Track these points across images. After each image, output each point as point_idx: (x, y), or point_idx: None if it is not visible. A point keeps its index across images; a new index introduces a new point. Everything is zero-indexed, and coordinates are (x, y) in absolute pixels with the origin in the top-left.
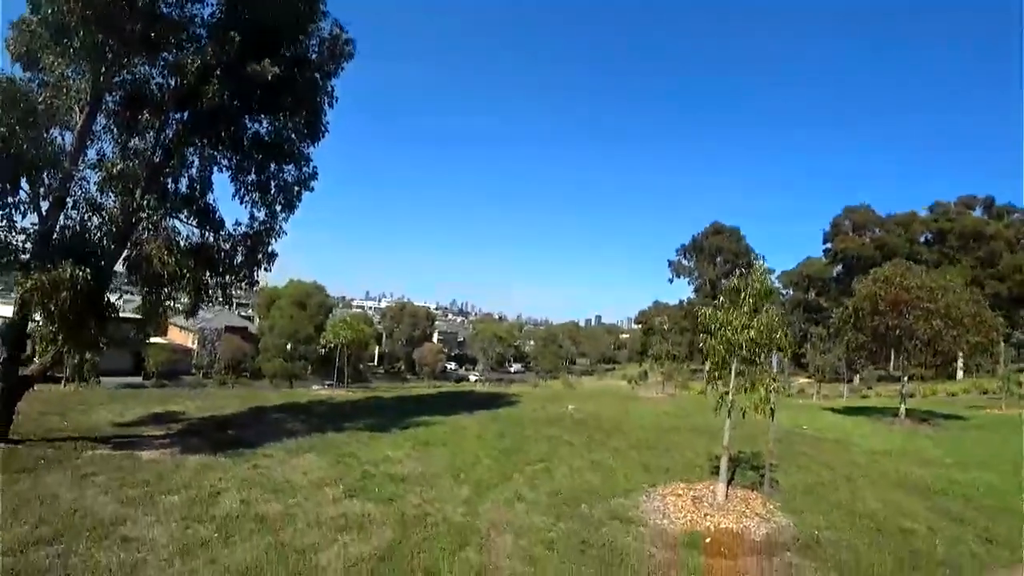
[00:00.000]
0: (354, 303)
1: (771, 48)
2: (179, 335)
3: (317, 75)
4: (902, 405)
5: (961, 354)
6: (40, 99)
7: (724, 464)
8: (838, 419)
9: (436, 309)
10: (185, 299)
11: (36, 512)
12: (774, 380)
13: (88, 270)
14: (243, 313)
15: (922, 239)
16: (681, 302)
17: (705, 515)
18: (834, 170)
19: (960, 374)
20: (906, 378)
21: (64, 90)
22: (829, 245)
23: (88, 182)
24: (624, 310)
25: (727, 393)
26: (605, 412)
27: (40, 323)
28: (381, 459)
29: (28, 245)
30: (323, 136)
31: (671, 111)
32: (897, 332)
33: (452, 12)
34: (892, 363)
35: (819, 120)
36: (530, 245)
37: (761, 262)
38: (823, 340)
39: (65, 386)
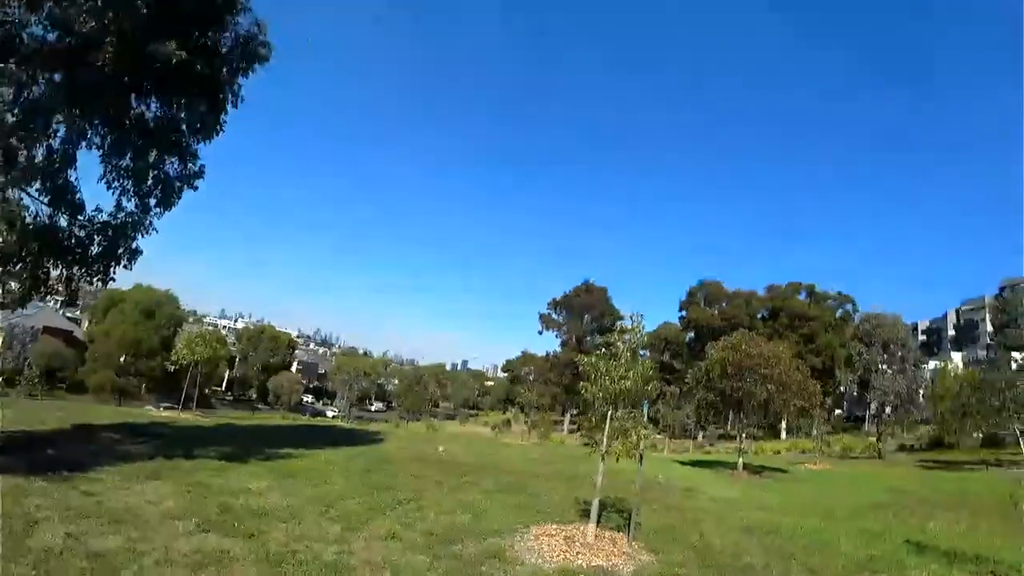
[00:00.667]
0: (206, 320)
1: (647, 118)
2: None
3: (225, 70)
4: (740, 459)
5: (786, 416)
6: None
7: (595, 506)
8: (687, 470)
9: (298, 336)
10: (14, 285)
11: None
12: (644, 428)
13: None
14: (69, 314)
15: (760, 315)
16: (548, 354)
17: (577, 554)
18: (692, 245)
19: (784, 434)
20: (743, 435)
21: None
22: (684, 313)
23: None
24: (491, 357)
25: (601, 439)
26: (474, 455)
27: None
28: (240, 490)
29: None
30: (217, 134)
31: (557, 169)
32: (740, 393)
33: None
34: (730, 423)
35: (686, 196)
36: (402, 282)
37: (639, 318)
38: (675, 398)
39: None
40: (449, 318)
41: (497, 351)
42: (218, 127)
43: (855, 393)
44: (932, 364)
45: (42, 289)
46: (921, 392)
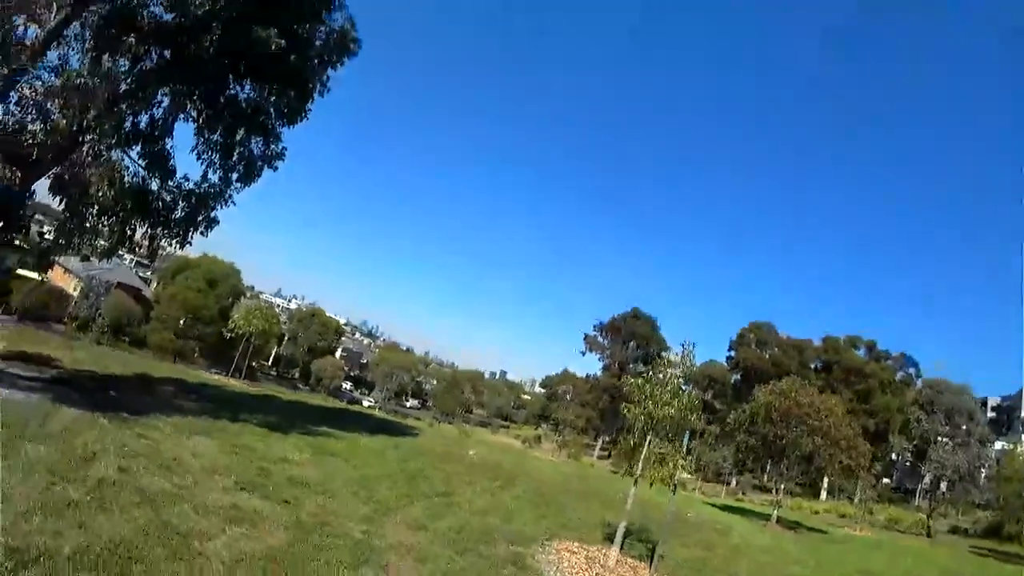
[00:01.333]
0: (263, 296)
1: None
2: (60, 277)
3: (316, 61)
4: (774, 511)
5: (830, 473)
6: None
7: (621, 530)
8: (717, 512)
9: (346, 324)
10: (104, 238)
11: None
12: (683, 458)
13: (16, 171)
14: (141, 274)
15: (813, 365)
16: (588, 376)
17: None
18: (746, 283)
19: (824, 494)
20: (781, 486)
21: None
22: (733, 353)
23: (41, 84)
24: (529, 371)
25: (636, 463)
26: (506, 462)
27: None
28: (279, 458)
29: None
30: (301, 120)
31: (617, 198)
32: (783, 441)
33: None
34: (768, 475)
35: (745, 232)
36: (452, 286)
37: (691, 346)
38: (714, 438)
39: None
40: (493, 327)
41: (536, 366)
42: (303, 114)
43: (908, 463)
44: (1000, 444)
45: (127, 244)
46: (984, 472)
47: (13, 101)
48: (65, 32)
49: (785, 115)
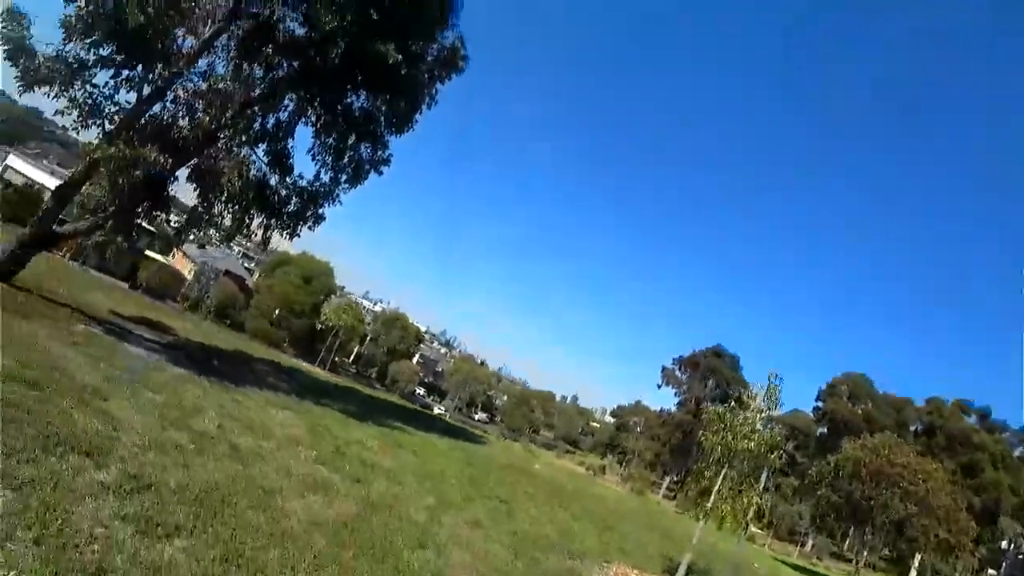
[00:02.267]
0: (352, 296)
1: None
2: (180, 260)
3: (426, 75)
4: None
5: (921, 550)
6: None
7: (684, 565)
8: (789, 571)
9: (426, 332)
10: (227, 223)
11: (25, 354)
12: (759, 497)
13: (168, 159)
14: (247, 265)
15: (912, 428)
16: (662, 410)
17: None
18: (837, 331)
19: (914, 574)
20: (863, 555)
21: (203, 1)
22: (821, 404)
23: (192, 85)
24: (600, 398)
25: (708, 495)
26: (569, 483)
27: (95, 191)
28: (355, 442)
29: (117, 118)
30: (408, 129)
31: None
32: (871, 503)
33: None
34: (848, 541)
35: (840, 280)
36: (532, 306)
37: (777, 381)
38: (793, 492)
39: (71, 261)
40: (570, 350)
41: (609, 394)
42: (411, 123)
43: (1022, 555)
44: None
45: (245, 232)
46: None
47: (169, 100)
48: (215, 43)
49: (892, 169)
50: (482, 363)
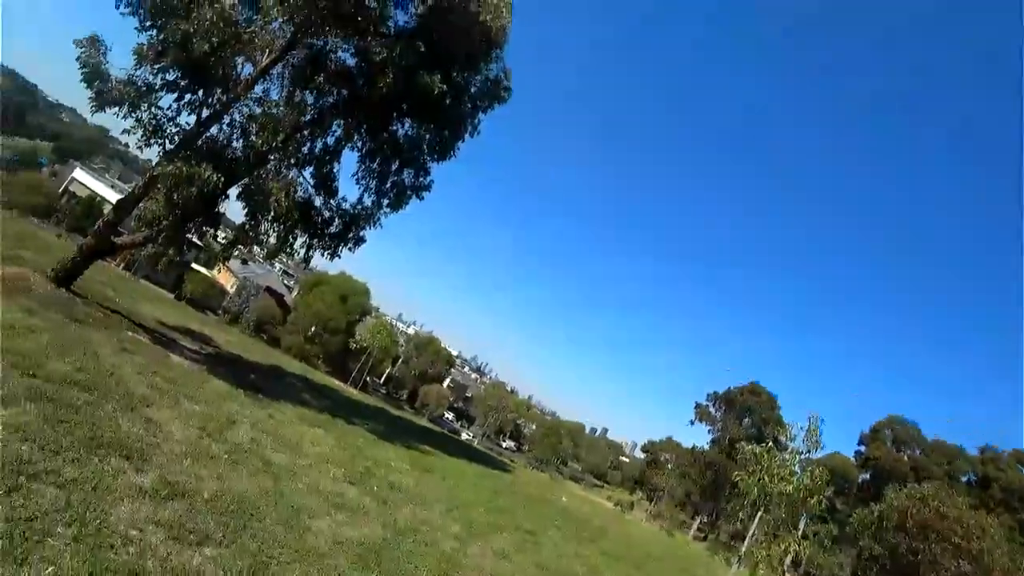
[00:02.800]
0: (386, 317)
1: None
2: (223, 274)
3: (470, 105)
4: None
5: None
6: (246, 29)
7: None
8: None
9: (457, 356)
10: (272, 241)
11: (79, 359)
12: (798, 544)
13: (221, 177)
14: (286, 282)
15: (964, 478)
16: (694, 447)
17: None
18: (882, 371)
19: None
20: None
21: (263, 32)
22: (863, 448)
23: (247, 110)
24: (630, 431)
25: (741, 538)
26: (597, 516)
27: (152, 205)
28: (383, 463)
29: (177, 138)
30: (450, 157)
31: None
32: (918, 557)
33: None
34: None
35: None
36: (563, 336)
37: (817, 420)
38: (833, 541)
39: (124, 270)
40: (601, 382)
41: (639, 428)
42: (453, 151)
43: None
44: None
45: (288, 249)
46: None
47: (225, 122)
48: (271, 71)
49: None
50: (512, 391)
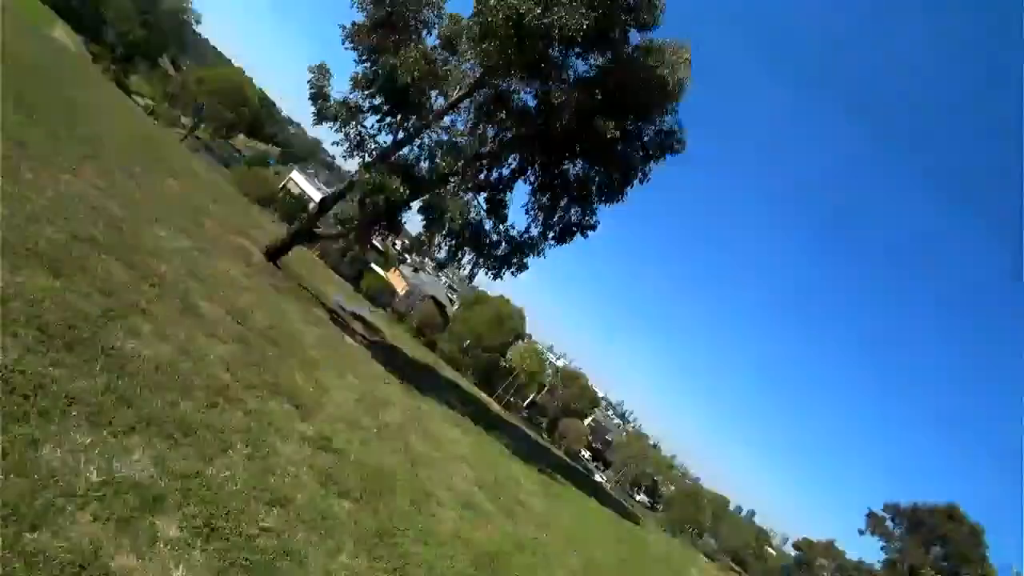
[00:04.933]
0: (538, 346)
1: None
2: (394, 277)
3: (641, 153)
4: None
5: None
6: (442, 67)
7: None
8: None
9: (603, 398)
10: (443, 254)
11: (276, 321)
12: None
13: (407, 191)
14: (449, 295)
15: None
16: (861, 563)
17: None
18: None
19: None
20: None
21: (456, 71)
22: None
23: (436, 136)
24: (778, 520)
25: None
26: None
27: (347, 207)
28: (514, 479)
29: (375, 153)
30: (618, 201)
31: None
32: None
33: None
34: None
35: None
36: (722, 401)
37: None
38: None
39: (318, 258)
40: (758, 462)
41: (791, 519)
42: (622, 196)
43: None
44: None
45: (455, 263)
46: None
47: (416, 144)
48: (459, 105)
49: None
50: (655, 445)
